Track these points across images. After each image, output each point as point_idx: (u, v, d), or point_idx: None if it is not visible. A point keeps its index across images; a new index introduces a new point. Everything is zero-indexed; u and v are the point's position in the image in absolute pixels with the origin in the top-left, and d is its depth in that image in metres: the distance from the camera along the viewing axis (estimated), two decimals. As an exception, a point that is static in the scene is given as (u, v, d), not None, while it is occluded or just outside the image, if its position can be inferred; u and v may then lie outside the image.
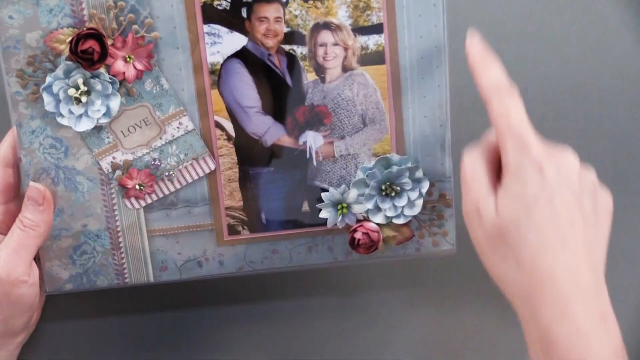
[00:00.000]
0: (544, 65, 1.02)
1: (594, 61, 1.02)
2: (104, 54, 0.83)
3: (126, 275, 0.92)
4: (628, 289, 1.05)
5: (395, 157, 0.89)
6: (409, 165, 0.89)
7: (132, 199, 0.90)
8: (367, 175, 0.89)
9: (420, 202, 0.90)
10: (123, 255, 0.91)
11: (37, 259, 0.91)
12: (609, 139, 1.04)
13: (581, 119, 1.03)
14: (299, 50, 0.87)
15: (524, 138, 0.77)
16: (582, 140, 1.03)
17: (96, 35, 0.83)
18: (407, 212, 0.90)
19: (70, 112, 0.86)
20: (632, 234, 1.05)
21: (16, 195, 0.90)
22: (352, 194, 0.90)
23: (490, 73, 0.80)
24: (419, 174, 0.89)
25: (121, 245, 0.91)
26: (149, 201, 0.90)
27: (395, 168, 0.89)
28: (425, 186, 0.90)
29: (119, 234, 0.91)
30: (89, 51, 0.83)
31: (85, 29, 0.84)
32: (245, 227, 0.92)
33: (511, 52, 1.01)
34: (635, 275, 1.06)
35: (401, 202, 0.90)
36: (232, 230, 0.92)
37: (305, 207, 0.92)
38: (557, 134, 1.00)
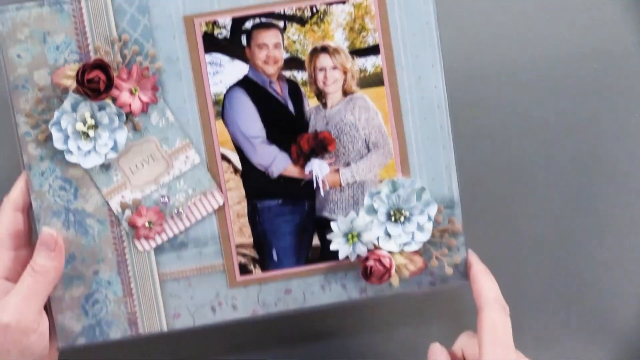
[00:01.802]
0: (543, 65, 1.03)
1: (594, 61, 1.03)
2: (109, 83, 0.86)
3: (139, 325, 0.91)
4: (628, 289, 1.03)
5: (401, 179, 0.89)
6: (416, 187, 0.89)
7: (142, 240, 0.90)
8: (374, 200, 0.89)
9: (429, 225, 0.90)
10: (135, 302, 0.91)
11: (47, 309, 0.90)
12: (608, 139, 1.03)
13: (581, 119, 1.03)
14: (299, 76, 0.90)
15: (506, 352, 0.83)
16: (582, 139, 1.03)
17: (102, 65, 0.85)
18: (418, 237, 0.89)
19: (79, 148, 0.87)
20: (632, 234, 1.03)
21: (27, 242, 0.91)
22: (361, 220, 0.89)
23: (490, 285, 0.88)
24: (426, 196, 0.89)
25: (133, 291, 0.91)
26: (159, 242, 0.90)
27: (402, 191, 0.89)
28: (434, 209, 0.90)
29: (131, 280, 0.90)
30: (95, 80, 0.85)
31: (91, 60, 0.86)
32: (256, 265, 0.91)
33: (511, 53, 1.02)
34: (636, 275, 1.03)
35: (410, 227, 0.89)
36: (244, 269, 0.91)
37: (316, 240, 0.91)
38: (557, 134, 1.01)
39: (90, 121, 0.87)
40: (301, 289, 0.92)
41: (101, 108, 0.87)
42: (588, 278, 1.04)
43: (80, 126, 0.86)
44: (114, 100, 0.87)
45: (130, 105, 0.87)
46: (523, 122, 1.03)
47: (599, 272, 1.04)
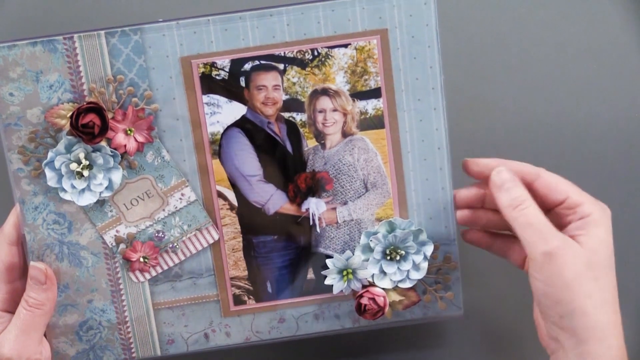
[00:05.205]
0: (544, 65, 1.02)
1: (594, 61, 1.02)
2: (104, 127, 0.84)
3: (133, 350, 0.91)
4: (628, 289, 1.04)
5: (398, 220, 0.89)
6: (413, 228, 0.89)
7: (137, 272, 0.89)
8: (371, 240, 0.89)
9: (425, 265, 0.90)
10: (129, 329, 0.91)
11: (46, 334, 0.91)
12: (608, 139, 1.03)
13: (581, 119, 1.03)
14: (299, 117, 0.88)
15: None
16: (582, 139, 1.03)
17: (96, 108, 0.83)
18: (413, 275, 0.90)
19: (73, 186, 0.86)
20: (632, 234, 1.04)
21: (22, 274, 0.90)
22: (357, 259, 0.89)
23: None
24: (423, 237, 0.89)
25: (127, 319, 0.91)
26: (154, 274, 0.90)
27: (399, 232, 0.88)
28: (430, 249, 0.89)
29: (125, 308, 0.90)
30: (89, 125, 0.83)
31: (85, 103, 0.84)
32: (250, 296, 0.91)
33: (512, 55, 1.01)
34: (635, 275, 1.05)
35: (406, 265, 0.89)
36: (238, 300, 0.91)
37: (310, 274, 0.91)
38: (557, 134, 1.00)
39: (85, 162, 0.85)
40: (295, 318, 0.92)
41: (96, 150, 0.85)
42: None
43: (74, 166, 0.85)
44: (109, 141, 0.85)
45: (125, 146, 0.86)
46: (522, 122, 1.02)
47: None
